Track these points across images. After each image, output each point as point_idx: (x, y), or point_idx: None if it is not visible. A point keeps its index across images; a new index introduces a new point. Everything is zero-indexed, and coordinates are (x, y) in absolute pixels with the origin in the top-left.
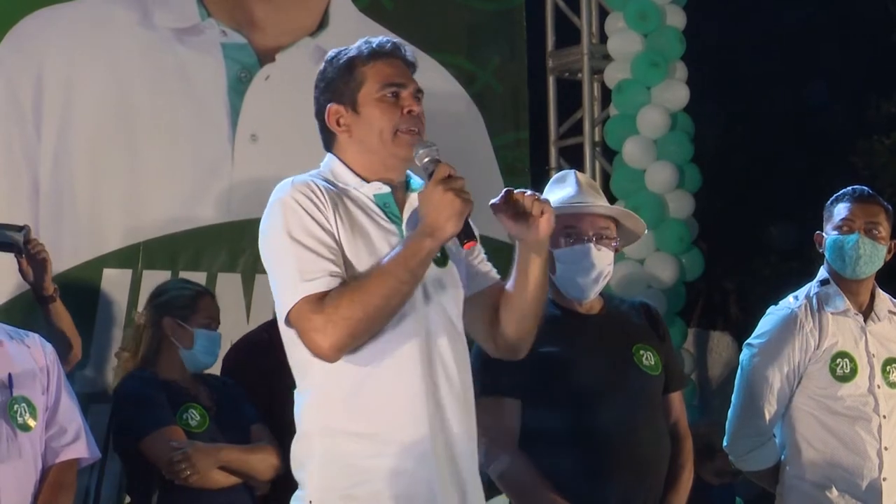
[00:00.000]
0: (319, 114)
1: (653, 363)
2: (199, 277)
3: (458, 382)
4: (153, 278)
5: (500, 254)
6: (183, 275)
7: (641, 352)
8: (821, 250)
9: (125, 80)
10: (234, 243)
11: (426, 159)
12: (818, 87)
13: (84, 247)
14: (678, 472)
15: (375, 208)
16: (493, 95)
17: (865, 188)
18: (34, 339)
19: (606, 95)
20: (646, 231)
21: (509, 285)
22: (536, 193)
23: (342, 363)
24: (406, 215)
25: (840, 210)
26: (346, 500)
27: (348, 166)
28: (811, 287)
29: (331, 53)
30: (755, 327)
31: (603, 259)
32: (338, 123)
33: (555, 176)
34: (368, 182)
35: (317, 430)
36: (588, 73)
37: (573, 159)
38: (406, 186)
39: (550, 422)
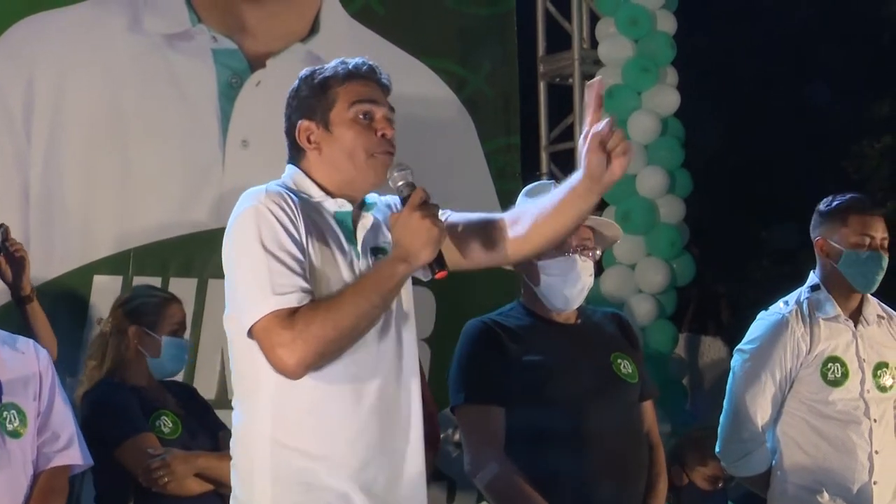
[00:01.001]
0: (290, 130)
1: (630, 371)
2: (189, 284)
3: (410, 402)
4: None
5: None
6: (173, 281)
7: (619, 360)
8: (824, 258)
9: (116, 85)
10: None
11: (401, 182)
12: (809, 91)
13: (74, 253)
14: (655, 480)
15: (336, 226)
16: (484, 100)
17: (864, 196)
18: (28, 344)
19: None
20: (620, 237)
21: (550, 209)
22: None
23: (298, 381)
24: (360, 235)
25: (856, 223)
26: None
27: (314, 181)
28: (801, 292)
29: (305, 72)
30: (746, 332)
31: (586, 270)
32: (308, 140)
33: (528, 186)
34: (333, 198)
35: (267, 444)
36: (579, 79)
37: (564, 164)
38: (361, 205)
39: (535, 429)
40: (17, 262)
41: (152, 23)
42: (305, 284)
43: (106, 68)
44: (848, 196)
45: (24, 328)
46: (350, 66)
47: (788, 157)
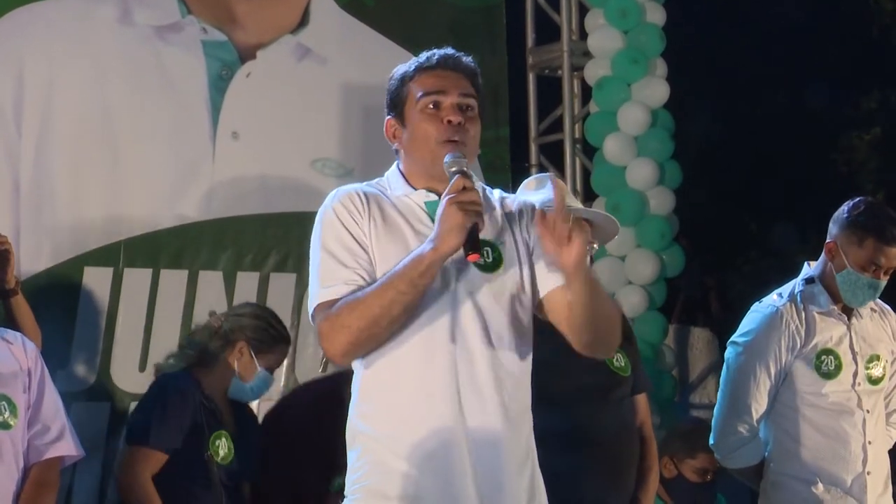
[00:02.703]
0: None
1: (623, 364)
2: (180, 276)
3: (490, 390)
4: (134, 276)
5: None
6: (164, 273)
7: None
8: (829, 259)
9: (106, 77)
10: (216, 241)
11: (453, 169)
12: (798, 83)
13: (65, 245)
14: (646, 473)
15: (423, 215)
16: None
17: (891, 221)
18: (16, 337)
19: (587, 92)
20: (618, 231)
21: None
22: (576, 212)
23: (370, 368)
24: None
25: (870, 249)
26: (371, 494)
27: (403, 175)
28: (795, 285)
29: (393, 71)
30: (736, 323)
31: None
32: (393, 136)
33: (529, 178)
34: (416, 190)
35: (356, 427)
36: (568, 70)
37: (553, 156)
38: None
39: None
40: (2, 256)
41: (142, 14)
42: (353, 276)
43: (96, 60)
44: (878, 216)
45: (9, 322)
46: (422, 60)
47: (778, 149)
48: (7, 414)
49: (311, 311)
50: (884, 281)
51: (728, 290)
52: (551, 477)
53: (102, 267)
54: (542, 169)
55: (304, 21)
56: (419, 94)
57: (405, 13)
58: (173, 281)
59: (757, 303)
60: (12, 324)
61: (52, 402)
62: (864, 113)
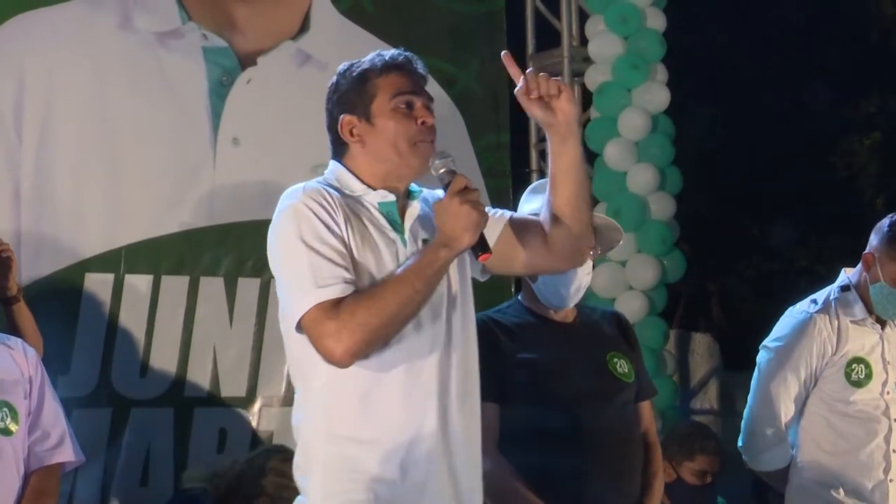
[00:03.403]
0: (332, 125)
1: (626, 371)
2: (181, 282)
3: (462, 388)
4: (135, 282)
5: None
6: (165, 279)
7: (615, 360)
8: (864, 269)
9: (106, 83)
10: (217, 247)
11: (442, 170)
12: (798, 88)
13: (66, 251)
14: (651, 479)
15: (379, 217)
16: (473, 98)
17: None
18: (17, 343)
19: (587, 98)
20: (622, 239)
21: (549, 189)
22: (552, 78)
23: (349, 369)
24: (408, 224)
25: None
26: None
27: (355, 174)
28: (831, 292)
29: (342, 66)
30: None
31: (584, 268)
32: (351, 134)
33: (533, 184)
34: (374, 190)
35: (320, 436)
36: (568, 76)
37: None
38: (407, 195)
39: (529, 427)
40: (3, 263)
41: (143, 21)
42: (348, 275)
43: (97, 66)
44: None
45: (10, 328)
46: (387, 58)
47: (778, 153)
48: (8, 420)
49: (302, 311)
50: None
51: (729, 295)
52: (552, 477)
53: (103, 273)
54: (542, 174)
55: (304, 27)
56: (392, 92)
57: (406, 19)
58: (174, 287)
59: (791, 307)
60: (14, 330)
61: (53, 408)
62: (863, 117)
